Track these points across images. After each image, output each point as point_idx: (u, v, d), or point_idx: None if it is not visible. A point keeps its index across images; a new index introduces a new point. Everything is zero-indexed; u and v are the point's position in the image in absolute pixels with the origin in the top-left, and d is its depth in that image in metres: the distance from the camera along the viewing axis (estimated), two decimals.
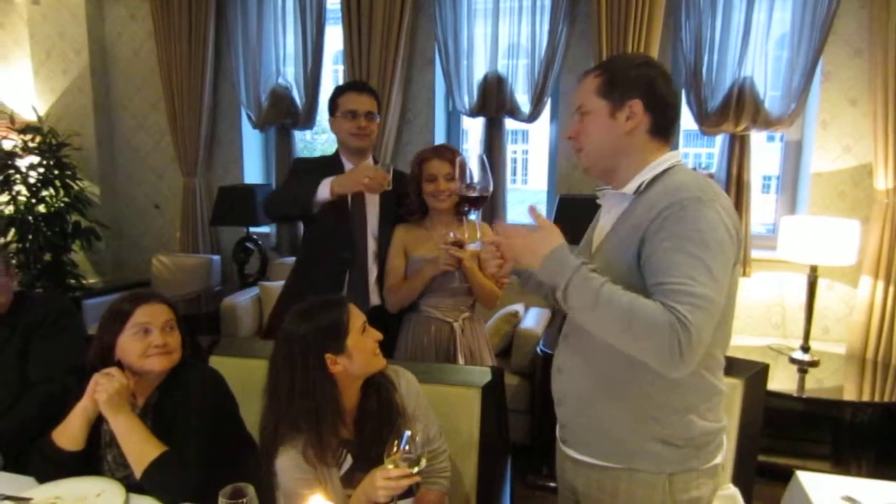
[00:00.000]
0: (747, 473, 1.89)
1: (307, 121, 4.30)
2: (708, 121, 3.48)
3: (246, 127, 4.57)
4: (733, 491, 1.85)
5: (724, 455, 1.44)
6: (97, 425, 1.56)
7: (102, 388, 1.50)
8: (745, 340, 3.55)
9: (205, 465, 1.49)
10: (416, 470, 1.32)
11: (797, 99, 3.33)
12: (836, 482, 1.58)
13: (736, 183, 3.51)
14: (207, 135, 4.57)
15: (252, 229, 4.37)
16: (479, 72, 3.86)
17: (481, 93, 3.84)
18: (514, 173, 11.53)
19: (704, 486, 1.37)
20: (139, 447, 1.50)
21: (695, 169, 1.41)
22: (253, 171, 4.73)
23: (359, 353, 1.47)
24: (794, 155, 3.67)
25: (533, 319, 3.35)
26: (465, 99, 3.89)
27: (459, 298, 2.22)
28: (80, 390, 1.55)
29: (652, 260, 1.23)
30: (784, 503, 1.64)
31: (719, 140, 3.60)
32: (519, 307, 3.42)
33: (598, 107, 1.36)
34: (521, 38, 3.78)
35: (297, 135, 4.52)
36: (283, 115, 4.31)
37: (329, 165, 2.36)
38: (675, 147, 3.69)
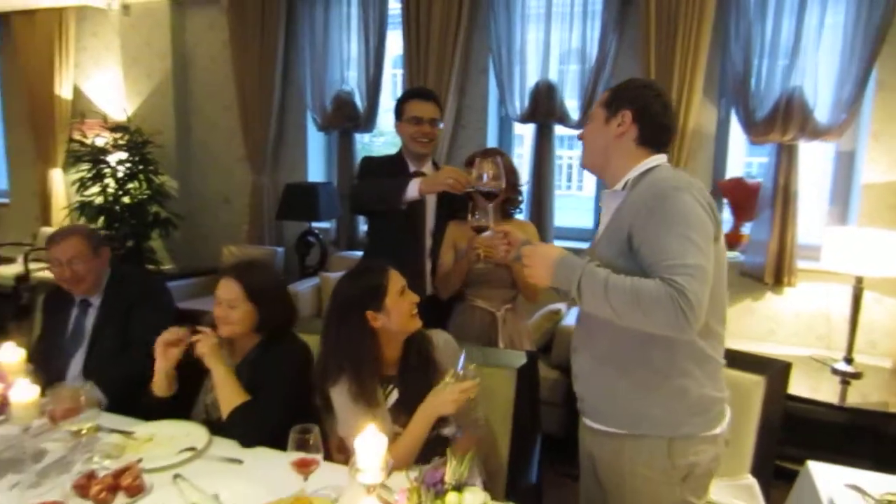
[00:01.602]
0: (766, 468, 1.99)
1: (367, 124, 4.56)
2: (755, 130, 3.53)
3: (311, 129, 4.88)
4: (751, 482, 1.96)
5: (727, 428, 1.59)
6: (201, 375, 1.89)
7: (201, 344, 1.84)
8: (787, 350, 3.56)
9: (276, 421, 1.73)
10: (477, 381, 1.60)
11: (848, 109, 3.34)
12: (843, 472, 1.68)
13: (783, 193, 3.54)
14: (275, 136, 4.90)
15: (314, 224, 4.66)
16: (531, 79, 4.02)
17: (532, 100, 4.01)
18: (570, 179, 11.56)
19: (703, 452, 1.54)
20: (228, 394, 1.81)
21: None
22: (316, 170, 5.03)
23: (396, 313, 1.71)
24: (845, 166, 3.67)
25: (574, 317, 3.48)
26: (517, 105, 4.06)
27: (502, 290, 2.40)
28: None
29: (645, 245, 1.43)
30: (794, 490, 1.75)
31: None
32: (562, 306, 3.57)
33: (598, 114, 1.64)
34: (572, 44, 3.92)
35: (357, 137, 4.79)
36: (346, 119, 4.59)
37: (394, 164, 2.59)
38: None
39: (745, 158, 3.90)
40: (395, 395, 1.74)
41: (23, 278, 4.97)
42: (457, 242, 2.45)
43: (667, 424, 1.52)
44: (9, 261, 5.55)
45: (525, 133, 4.39)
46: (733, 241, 3.83)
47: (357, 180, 2.64)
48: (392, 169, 2.50)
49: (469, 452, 1.72)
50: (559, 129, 4.09)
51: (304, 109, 4.84)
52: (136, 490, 1.48)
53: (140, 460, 1.58)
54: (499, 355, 2.07)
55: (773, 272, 3.60)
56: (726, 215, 3.89)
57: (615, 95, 1.62)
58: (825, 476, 1.65)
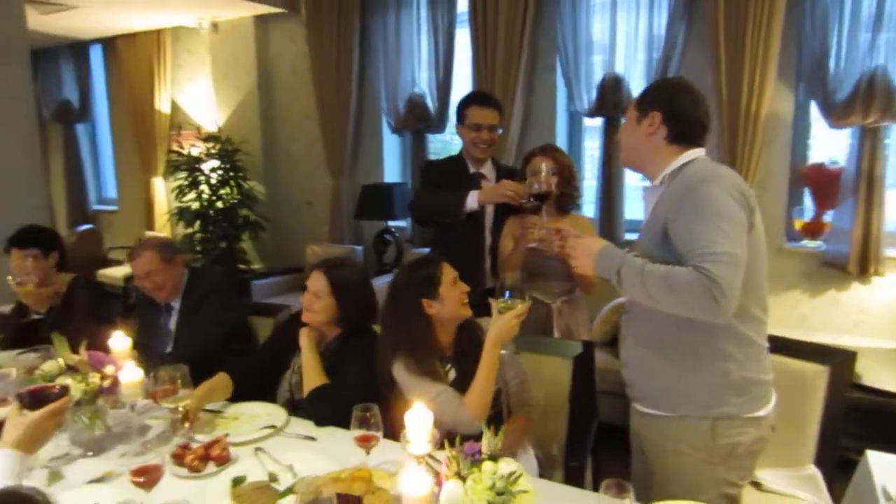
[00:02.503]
0: (828, 458, 1.96)
1: (438, 125, 4.71)
2: (835, 113, 3.40)
3: (386, 132, 5.08)
4: (813, 471, 1.95)
5: (772, 411, 1.63)
6: (290, 356, 2.13)
7: (303, 332, 2.09)
8: (875, 342, 3.42)
9: (348, 404, 1.88)
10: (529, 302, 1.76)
11: None
12: None
13: (867, 178, 3.39)
14: (352, 139, 5.14)
15: (390, 223, 4.86)
16: (598, 73, 4.03)
17: (599, 93, 4.02)
18: None
19: (746, 434, 1.59)
20: (310, 376, 2.00)
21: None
22: (392, 171, 5.23)
23: (449, 301, 1.86)
24: None
25: None
26: (584, 100, 4.08)
27: (558, 283, 2.48)
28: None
29: (678, 236, 1.51)
30: (853, 479, 1.73)
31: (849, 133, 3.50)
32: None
33: (631, 115, 1.72)
34: (639, 34, 3.89)
35: (434, 137, 4.94)
36: (418, 120, 4.75)
37: (455, 166, 2.73)
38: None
39: (833, 142, 3.75)
40: (452, 374, 1.88)
41: (130, 279, 5.46)
42: (515, 234, 2.54)
43: (709, 405, 1.58)
44: (118, 263, 6.10)
45: (596, 127, 4.40)
46: (815, 229, 3.69)
47: (419, 186, 2.78)
48: (452, 171, 2.64)
49: (518, 426, 1.84)
50: None
51: (378, 113, 5.04)
52: (224, 460, 1.68)
53: (227, 435, 1.79)
54: (556, 345, 2.15)
55: (858, 261, 3.45)
56: (808, 203, 3.77)
57: (645, 97, 1.70)
58: (881, 463, 1.63)
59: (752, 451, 1.62)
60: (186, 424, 1.80)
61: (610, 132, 4.07)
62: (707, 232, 1.44)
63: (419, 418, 1.28)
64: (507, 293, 1.74)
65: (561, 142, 4.36)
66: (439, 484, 1.18)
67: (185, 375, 1.85)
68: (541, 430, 2.01)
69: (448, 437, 1.33)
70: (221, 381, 2.06)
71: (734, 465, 1.60)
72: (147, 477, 1.43)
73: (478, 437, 1.23)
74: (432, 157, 4.92)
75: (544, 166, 2.17)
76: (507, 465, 1.13)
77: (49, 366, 1.87)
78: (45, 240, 2.77)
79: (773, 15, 3.42)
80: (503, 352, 1.79)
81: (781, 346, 1.93)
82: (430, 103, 4.70)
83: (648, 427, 1.70)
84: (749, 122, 3.55)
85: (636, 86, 3.93)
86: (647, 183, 1.75)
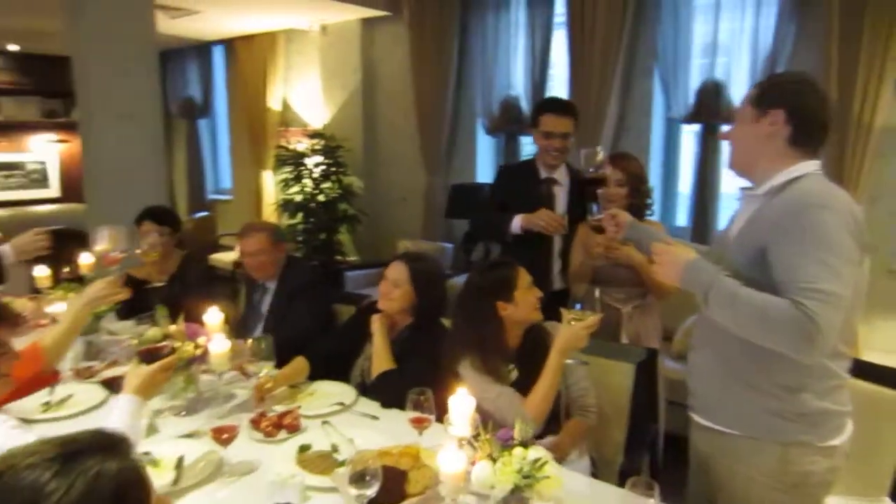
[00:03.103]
0: None
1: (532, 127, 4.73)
2: None
3: (480, 133, 5.17)
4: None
5: (846, 440, 1.52)
6: (364, 344, 2.28)
7: (375, 319, 2.24)
8: None
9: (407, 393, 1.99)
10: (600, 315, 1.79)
11: None
12: None
13: None
14: (447, 139, 5.27)
15: None
16: (696, 78, 3.92)
17: (698, 99, 3.90)
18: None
19: (818, 463, 1.49)
20: (380, 360, 2.13)
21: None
22: (485, 171, 5.31)
23: (523, 304, 1.90)
24: None
25: None
26: (682, 105, 3.98)
27: (627, 289, 2.46)
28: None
29: (779, 263, 1.38)
30: None
31: None
32: None
33: (746, 113, 1.55)
34: (743, 36, 3.74)
35: (527, 139, 4.97)
36: (511, 122, 4.81)
37: (527, 171, 2.78)
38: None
39: None
40: (514, 375, 1.91)
41: (238, 264, 5.87)
42: (586, 243, 2.54)
43: (782, 430, 1.48)
44: (228, 248, 6.57)
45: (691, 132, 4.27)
46: None
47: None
48: (523, 175, 2.68)
49: (574, 429, 1.86)
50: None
51: (474, 114, 5.14)
52: (294, 428, 1.84)
53: (300, 407, 1.95)
54: (620, 350, 2.15)
55: None
56: None
57: (766, 91, 1.52)
58: None
59: (825, 481, 1.52)
60: (263, 398, 1.98)
61: (707, 139, 3.94)
62: (813, 266, 1.32)
63: (462, 403, 1.35)
64: (579, 304, 1.76)
65: (656, 148, 4.28)
66: (473, 463, 1.25)
67: (270, 345, 2.03)
68: (599, 434, 2.02)
69: (484, 420, 1.39)
70: (299, 364, 2.22)
71: (803, 493, 1.50)
72: (226, 435, 1.63)
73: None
74: (525, 158, 4.95)
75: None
76: (535, 452, 1.18)
77: (153, 332, 2.10)
78: (172, 219, 3.17)
79: (895, 14, 3.19)
80: (569, 361, 1.80)
81: (862, 370, 1.82)
82: (525, 105, 4.74)
83: (711, 443, 1.61)
84: (861, 131, 3.33)
85: (736, 92, 3.79)
86: (747, 182, 1.60)
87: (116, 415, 1.61)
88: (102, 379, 2.24)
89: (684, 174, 4.34)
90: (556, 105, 2.74)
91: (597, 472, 1.90)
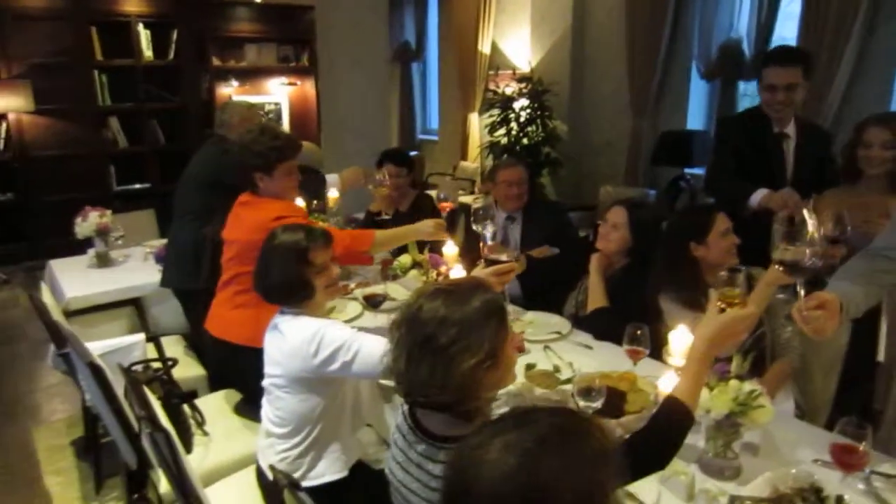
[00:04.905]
0: None
1: (754, 73, 4.49)
2: None
3: (694, 77, 5.01)
4: None
5: None
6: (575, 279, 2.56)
7: (593, 257, 2.44)
8: None
9: (623, 327, 2.16)
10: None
11: None
12: None
13: None
14: (659, 83, 5.18)
15: (687, 170, 4.87)
16: None
17: None
18: None
19: None
20: (595, 297, 2.37)
21: None
22: (696, 118, 5.16)
23: (716, 248, 2.05)
24: None
25: None
26: None
27: None
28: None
29: None
30: None
31: None
32: None
33: None
34: None
35: (747, 86, 4.73)
36: (731, 67, 4.60)
37: (754, 123, 2.65)
38: None
39: None
40: None
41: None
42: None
43: None
44: (435, 186, 7.10)
45: None
46: None
47: (715, 148, 2.78)
48: (754, 127, 2.59)
49: (778, 370, 1.94)
50: None
51: (689, 57, 4.98)
52: (521, 349, 2.15)
53: (523, 332, 2.26)
54: None
55: None
56: None
57: None
58: None
59: None
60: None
61: None
62: None
63: (681, 336, 1.54)
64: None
65: None
66: None
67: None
68: (808, 383, 2.08)
69: None
70: None
71: None
72: None
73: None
74: (743, 108, 4.73)
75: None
76: (749, 385, 1.34)
77: (404, 259, 2.52)
78: (409, 162, 3.55)
79: None
80: (780, 296, 1.85)
81: None
82: (747, 49, 4.50)
83: None
84: None
85: None
86: None
87: None
88: (364, 296, 2.65)
89: None
90: (780, 55, 2.60)
91: (803, 417, 1.98)
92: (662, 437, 1.24)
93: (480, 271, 1.86)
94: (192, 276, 2.82)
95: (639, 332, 1.79)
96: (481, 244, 2.06)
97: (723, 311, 1.29)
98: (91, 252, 3.25)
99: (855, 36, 3.81)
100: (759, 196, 2.44)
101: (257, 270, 1.85)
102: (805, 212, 1.30)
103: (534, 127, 5.87)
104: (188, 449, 1.97)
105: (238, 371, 2.25)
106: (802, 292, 1.29)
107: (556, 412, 0.86)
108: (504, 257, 1.87)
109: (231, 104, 3.27)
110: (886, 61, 3.86)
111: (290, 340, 1.73)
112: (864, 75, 3.93)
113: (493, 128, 6.11)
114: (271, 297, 1.84)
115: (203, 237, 2.77)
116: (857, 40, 3.84)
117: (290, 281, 1.77)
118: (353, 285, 2.86)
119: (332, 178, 3.18)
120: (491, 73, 6.67)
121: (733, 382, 1.36)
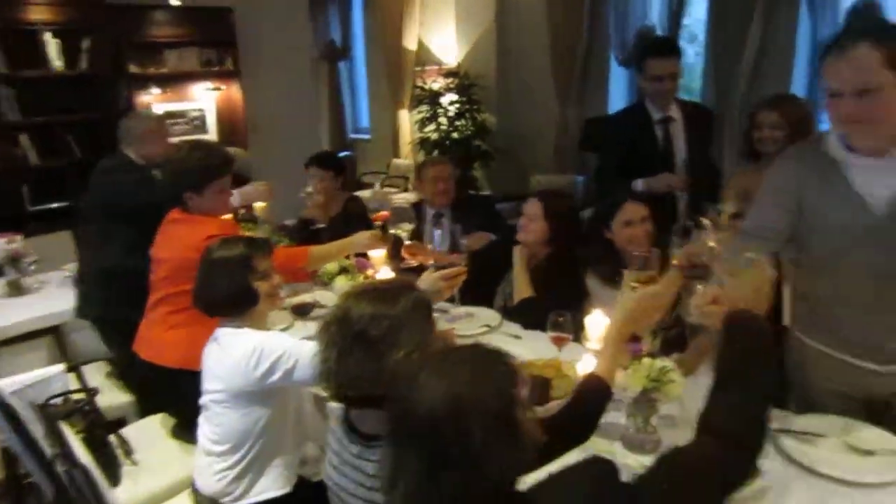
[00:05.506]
0: None
1: None
2: None
3: (613, 65, 5.15)
4: None
5: None
6: (502, 272, 2.60)
7: (517, 250, 2.49)
8: None
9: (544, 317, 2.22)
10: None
11: None
12: None
13: None
14: (580, 72, 5.31)
15: None
16: None
17: (849, 22, 3.67)
18: None
19: None
20: (521, 287, 2.42)
21: None
22: (617, 102, 5.31)
23: (619, 235, 2.17)
24: None
25: None
26: (830, 29, 3.75)
27: None
28: None
29: None
30: None
31: None
32: None
33: (887, 79, 1.33)
34: None
35: None
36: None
37: (633, 117, 2.81)
38: None
39: None
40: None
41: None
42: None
43: None
44: (369, 186, 7.07)
45: None
46: None
47: (600, 156, 2.98)
48: (634, 123, 2.73)
49: (701, 347, 2.03)
50: None
51: (608, 47, 5.12)
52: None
53: (454, 329, 2.28)
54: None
55: None
56: None
57: None
58: None
59: None
60: None
61: None
62: None
63: (597, 322, 1.60)
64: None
65: (799, 80, 4.09)
66: None
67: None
68: None
69: None
70: None
71: None
72: None
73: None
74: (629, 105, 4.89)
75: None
76: (661, 362, 1.42)
77: (330, 266, 2.50)
78: (335, 165, 3.44)
79: None
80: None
81: None
82: (660, 34, 4.66)
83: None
84: None
85: (894, 12, 3.53)
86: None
87: None
88: (291, 306, 2.57)
89: None
90: (658, 47, 2.76)
91: None
92: (582, 411, 1.33)
93: (429, 276, 1.91)
94: (110, 304, 2.67)
95: (561, 318, 1.84)
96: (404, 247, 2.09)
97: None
98: (2, 282, 3.08)
99: (756, 20, 4.01)
100: (639, 185, 2.64)
101: (198, 286, 1.81)
102: (703, 219, 1.47)
103: (463, 121, 5.92)
104: (115, 482, 1.90)
105: (173, 395, 2.18)
106: (700, 289, 1.35)
107: (471, 347, 1.10)
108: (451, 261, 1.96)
109: (136, 114, 3.14)
110: (783, 44, 4.08)
111: (231, 355, 1.70)
112: (766, 54, 4.15)
113: (423, 123, 6.12)
114: (213, 311, 1.81)
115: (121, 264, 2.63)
116: (758, 24, 4.03)
117: (234, 290, 1.75)
118: (282, 293, 2.82)
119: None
120: (418, 69, 6.67)
121: (646, 360, 1.43)
